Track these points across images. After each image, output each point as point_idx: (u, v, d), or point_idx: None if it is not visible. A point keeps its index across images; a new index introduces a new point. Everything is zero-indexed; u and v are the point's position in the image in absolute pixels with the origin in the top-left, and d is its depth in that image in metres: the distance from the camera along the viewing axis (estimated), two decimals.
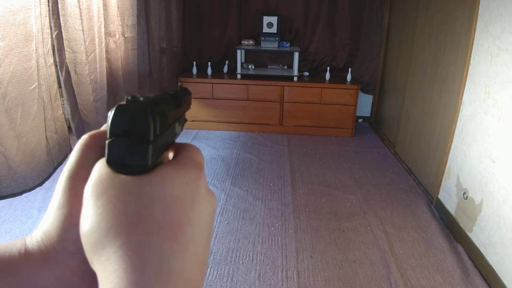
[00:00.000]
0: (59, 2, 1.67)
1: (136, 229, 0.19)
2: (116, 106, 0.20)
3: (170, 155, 0.26)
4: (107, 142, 0.20)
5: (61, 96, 1.79)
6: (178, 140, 0.27)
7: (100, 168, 0.21)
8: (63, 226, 0.24)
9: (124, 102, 0.21)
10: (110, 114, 0.20)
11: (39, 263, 0.24)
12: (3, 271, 0.24)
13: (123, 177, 0.20)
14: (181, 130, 0.26)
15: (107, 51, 2.23)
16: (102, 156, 0.22)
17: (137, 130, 0.20)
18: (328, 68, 3.82)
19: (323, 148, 3.42)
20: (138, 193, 0.20)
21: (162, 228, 0.19)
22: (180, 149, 0.25)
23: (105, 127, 0.24)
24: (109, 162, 0.21)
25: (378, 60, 3.85)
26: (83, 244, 0.20)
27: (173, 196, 0.21)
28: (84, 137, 0.26)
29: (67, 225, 0.24)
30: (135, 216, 0.19)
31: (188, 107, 0.28)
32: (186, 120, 0.28)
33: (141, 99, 0.21)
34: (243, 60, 3.89)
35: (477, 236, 1.89)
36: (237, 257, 1.87)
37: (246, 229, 2.11)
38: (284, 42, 3.83)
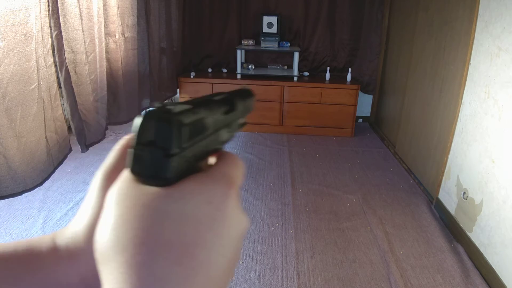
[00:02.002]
0: (59, 2, 1.67)
1: (143, 248, 0.18)
2: (144, 112, 0.20)
3: (213, 161, 0.24)
4: (130, 149, 0.20)
5: (61, 96, 1.79)
6: None
7: (125, 175, 0.21)
8: (92, 226, 0.24)
9: (153, 109, 0.20)
10: (138, 120, 0.20)
11: (67, 262, 0.24)
12: (32, 267, 0.24)
13: (142, 188, 0.19)
14: (232, 136, 0.25)
15: (107, 51, 2.23)
16: None
17: (160, 141, 0.19)
18: (328, 68, 3.82)
19: (323, 148, 3.42)
20: (153, 208, 0.19)
21: (170, 250, 0.18)
22: (220, 159, 0.23)
23: None
24: (131, 171, 0.20)
25: (378, 60, 3.85)
26: (94, 249, 0.20)
27: (190, 215, 0.19)
28: (124, 137, 0.25)
29: (94, 226, 0.23)
30: (144, 233, 0.18)
31: (248, 111, 0.26)
32: (245, 124, 0.27)
33: (171, 107, 0.20)
34: (243, 60, 3.89)
35: (477, 236, 1.89)
36: None
37: None
38: (284, 42, 3.83)
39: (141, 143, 0.19)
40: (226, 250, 0.20)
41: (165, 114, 0.19)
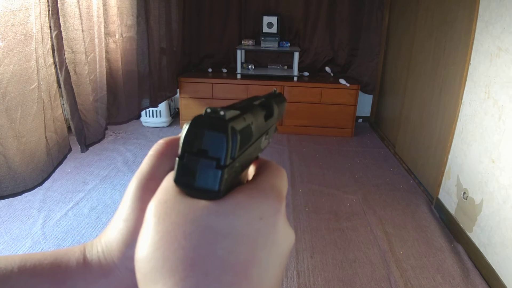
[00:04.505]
0: (59, 2, 1.67)
1: (194, 269, 0.16)
2: (193, 118, 0.18)
3: (251, 171, 0.23)
4: (177, 158, 0.18)
5: (61, 96, 1.79)
6: None
7: (167, 185, 0.19)
8: (126, 241, 0.22)
9: (202, 114, 0.18)
10: (185, 126, 0.18)
11: (97, 278, 0.22)
12: (60, 283, 0.22)
13: (189, 201, 0.18)
14: (269, 143, 0.24)
15: (106, 51, 2.23)
16: None
17: (211, 150, 0.18)
18: (328, 68, 3.82)
19: (323, 148, 3.42)
20: (203, 225, 0.17)
21: (224, 271, 0.17)
22: (262, 168, 0.21)
23: None
24: (176, 181, 0.18)
25: (378, 60, 3.85)
26: (136, 268, 0.18)
27: (243, 232, 0.17)
28: (160, 142, 0.23)
29: (130, 240, 0.21)
30: (195, 253, 0.17)
31: (280, 116, 0.25)
32: (276, 129, 0.25)
33: (222, 113, 0.18)
34: (243, 60, 3.89)
35: (477, 236, 1.89)
36: None
37: None
38: (284, 42, 3.83)
39: (190, 152, 0.18)
40: (277, 268, 0.19)
41: (218, 121, 0.18)
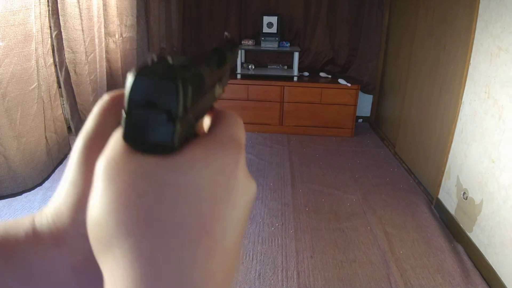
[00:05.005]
0: (59, 2, 1.67)
1: (151, 230, 0.15)
2: (137, 67, 0.16)
3: (206, 121, 0.21)
4: (123, 113, 0.17)
5: (61, 96, 1.79)
6: None
7: (116, 143, 0.17)
8: (77, 206, 0.20)
9: (148, 63, 0.17)
10: (130, 77, 0.16)
11: (49, 247, 0.21)
12: (8, 256, 0.21)
13: (141, 158, 0.16)
14: (223, 91, 0.22)
15: (107, 51, 2.23)
16: None
17: (161, 102, 0.16)
18: (328, 68, 3.82)
19: (323, 148, 3.42)
20: (158, 182, 0.16)
21: (184, 230, 0.16)
22: (219, 118, 0.20)
23: None
24: (125, 138, 0.17)
25: (378, 60, 3.85)
26: (89, 234, 0.17)
27: (202, 187, 0.16)
28: (104, 98, 0.21)
29: (81, 205, 0.20)
30: (151, 212, 0.15)
31: (234, 62, 0.23)
32: (229, 78, 0.23)
33: (170, 60, 0.16)
34: (243, 60, 3.89)
35: (477, 236, 1.89)
36: None
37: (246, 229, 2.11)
38: (284, 42, 3.82)
39: (136, 104, 0.16)
40: (240, 221, 0.18)
41: (166, 69, 0.16)
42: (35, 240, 0.21)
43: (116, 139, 0.17)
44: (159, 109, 0.16)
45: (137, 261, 0.15)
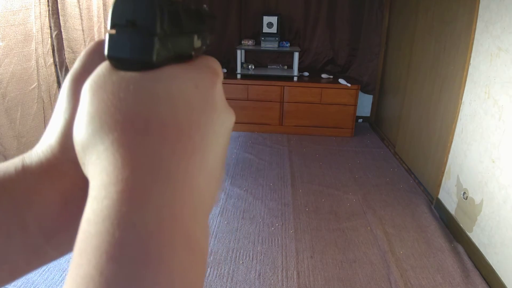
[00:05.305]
0: (59, 2, 1.67)
1: (133, 126, 0.16)
2: None
3: None
4: (107, 33, 0.18)
5: None
6: None
7: (101, 65, 0.18)
8: (65, 132, 0.21)
9: None
10: (113, 1, 0.18)
11: (39, 176, 0.21)
12: None
13: (123, 73, 0.18)
14: (203, 48, 0.23)
15: None
16: None
17: (141, 19, 0.17)
18: (328, 68, 3.82)
19: (323, 148, 3.42)
20: (139, 90, 0.17)
21: (163, 128, 0.17)
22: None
23: None
24: (109, 57, 0.18)
25: (378, 60, 3.85)
26: (75, 145, 0.18)
27: (180, 96, 0.17)
28: (91, 43, 0.23)
29: (69, 131, 0.21)
30: (132, 113, 0.17)
31: (211, 31, 0.25)
32: (208, 44, 0.25)
33: None
34: (243, 60, 3.89)
35: (477, 236, 1.89)
36: (237, 257, 1.87)
37: (246, 229, 2.11)
38: (284, 42, 3.83)
39: (118, 25, 0.18)
40: (219, 138, 0.19)
41: None
42: (24, 173, 0.22)
43: (102, 64, 0.19)
44: (139, 26, 0.17)
45: (118, 152, 0.16)
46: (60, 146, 0.21)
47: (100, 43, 0.23)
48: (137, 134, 0.16)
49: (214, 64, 0.21)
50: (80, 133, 0.17)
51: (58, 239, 0.22)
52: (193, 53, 0.22)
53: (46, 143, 0.22)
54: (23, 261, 0.22)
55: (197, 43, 0.22)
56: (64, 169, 0.21)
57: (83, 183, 0.21)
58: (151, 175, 0.16)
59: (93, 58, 0.22)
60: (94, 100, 0.17)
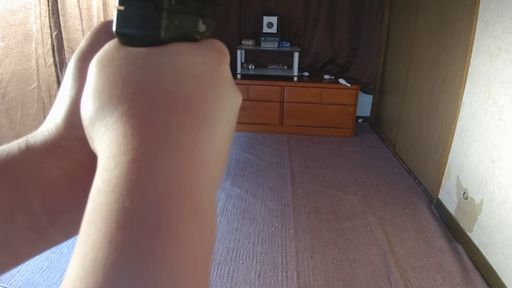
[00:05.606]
0: (59, 2, 1.67)
1: (142, 98, 0.16)
2: None
3: None
4: (115, 9, 0.18)
5: None
6: None
7: (109, 43, 0.19)
8: (71, 109, 0.21)
9: None
10: None
11: (42, 154, 0.21)
12: (0, 172, 0.21)
13: (131, 48, 0.18)
14: (207, 34, 0.24)
15: None
16: None
17: None
18: (328, 68, 3.82)
19: (323, 148, 3.42)
20: (147, 63, 0.17)
21: (172, 100, 0.17)
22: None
23: None
24: (117, 33, 0.18)
25: (378, 60, 3.85)
26: (83, 120, 0.18)
27: (188, 70, 0.18)
28: (98, 23, 0.24)
29: (75, 108, 0.21)
30: (141, 85, 0.17)
31: (214, 19, 0.26)
32: (212, 31, 0.25)
33: None
34: (243, 60, 3.89)
35: (477, 236, 1.89)
36: (237, 257, 1.87)
37: (246, 229, 2.11)
38: (284, 42, 3.83)
39: (128, 0, 0.18)
40: (226, 113, 0.19)
41: None
42: (27, 150, 0.21)
43: (108, 43, 0.19)
44: (147, 1, 0.18)
45: (128, 123, 0.16)
46: (66, 123, 0.21)
47: (107, 23, 0.23)
48: (146, 106, 0.16)
49: (221, 45, 0.21)
50: (88, 107, 0.17)
51: (62, 221, 0.22)
52: (198, 37, 0.22)
53: (51, 121, 0.22)
54: (27, 244, 0.22)
55: (202, 27, 0.23)
56: (68, 145, 0.21)
57: (88, 162, 0.21)
58: (161, 145, 0.16)
59: (99, 37, 0.22)
60: (102, 74, 0.17)
